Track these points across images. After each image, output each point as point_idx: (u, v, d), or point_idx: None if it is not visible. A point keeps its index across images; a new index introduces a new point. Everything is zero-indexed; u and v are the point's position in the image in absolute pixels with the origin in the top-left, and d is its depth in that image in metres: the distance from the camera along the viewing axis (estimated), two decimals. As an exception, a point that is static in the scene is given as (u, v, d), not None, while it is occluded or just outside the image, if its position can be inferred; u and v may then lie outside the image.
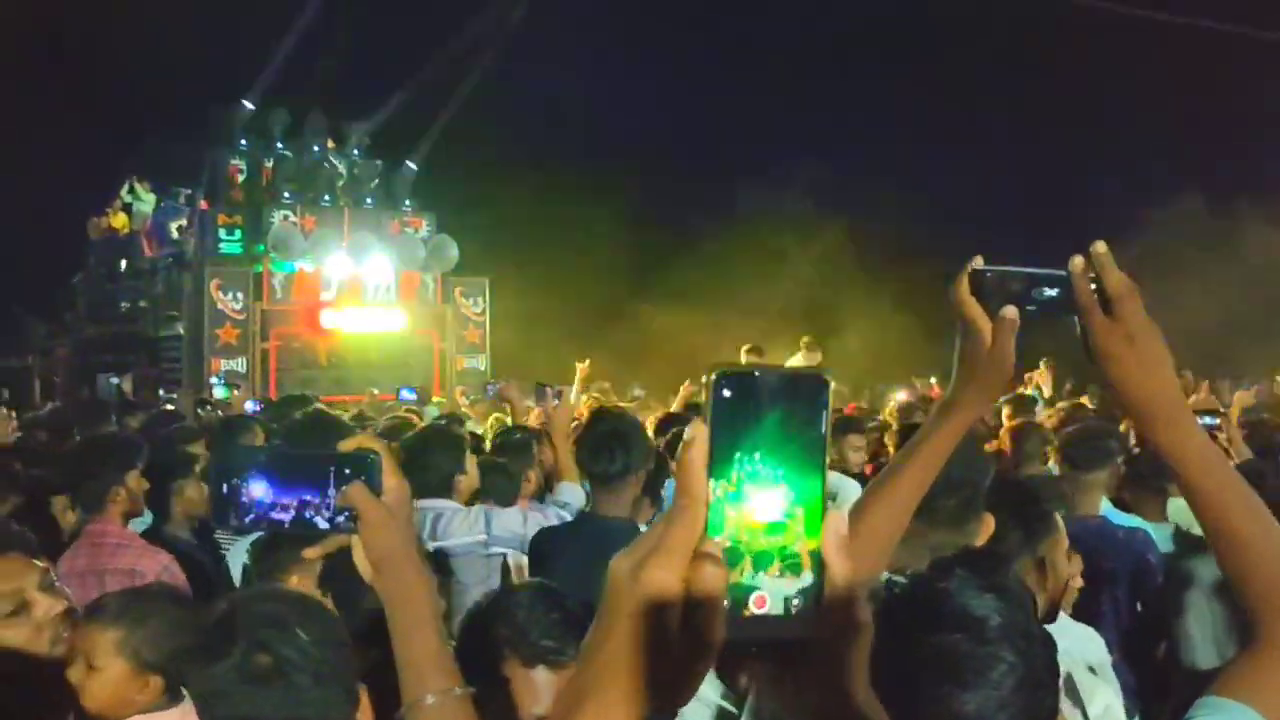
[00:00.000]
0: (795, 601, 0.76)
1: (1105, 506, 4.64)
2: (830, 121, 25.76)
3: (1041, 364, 10.27)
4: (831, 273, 26.80)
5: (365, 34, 21.68)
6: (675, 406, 8.96)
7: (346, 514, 1.42)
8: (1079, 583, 3.66)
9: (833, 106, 25.39)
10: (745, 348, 12.93)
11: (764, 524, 0.76)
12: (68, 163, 25.35)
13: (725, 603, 0.74)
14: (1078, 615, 3.53)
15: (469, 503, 4.57)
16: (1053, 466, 5.00)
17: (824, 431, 0.76)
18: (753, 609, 0.75)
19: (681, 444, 0.76)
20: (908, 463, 1.62)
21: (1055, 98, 27.34)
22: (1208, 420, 6.70)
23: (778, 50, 26.30)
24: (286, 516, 1.41)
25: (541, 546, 4.03)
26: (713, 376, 0.76)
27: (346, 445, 1.46)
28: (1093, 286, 1.43)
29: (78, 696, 2.41)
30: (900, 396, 13.05)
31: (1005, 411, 7.23)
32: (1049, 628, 3.13)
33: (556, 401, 6.81)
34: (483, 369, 18.70)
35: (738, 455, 0.75)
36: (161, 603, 2.64)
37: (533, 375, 18.44)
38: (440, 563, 4.13)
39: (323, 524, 1.42)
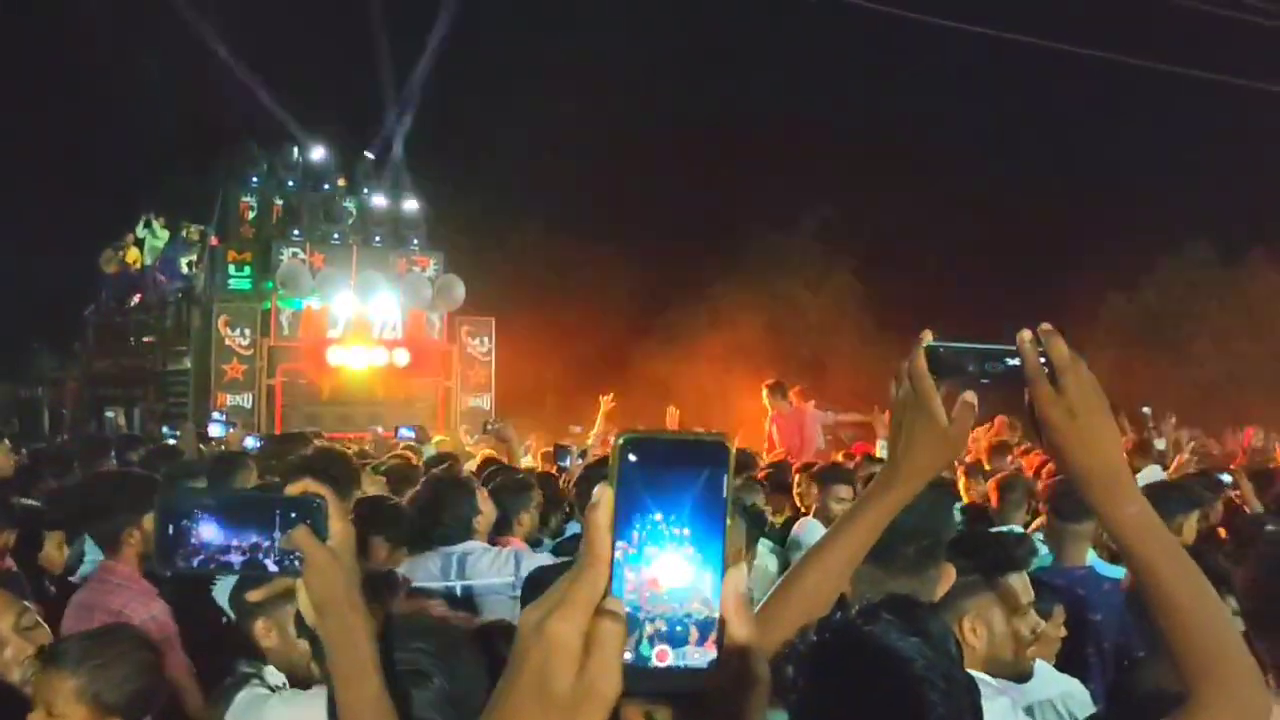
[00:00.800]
0: (695, 655, 0.79)
1: (1091, 557, 4.64)
2: (838, 167, 25.84)
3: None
4: (837, 317, 26.84)
5: (376, 73, 21.91)
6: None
7: (295, 556, 1.42)
8: (1062, 633, 3.68)
9: (839, 152, 25.49)
10: (768, 384, 12.94)
11: (664, 584, 0.79)
12: (81, 196, 25.63)
13: (625, 656, 0.78)
14: (1063, 666, 3.54)
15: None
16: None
17: (725, 495, 0.79)
18: (654, 662, 0.79)
19: (589, 505, 0.81)
20: (845, 529, 1.66)
21: (1065, 146, 27.45)
22: (1222, 478, 6.68)
23: (785, 95, 26.45)
24: (236, 559, 1.41)
25: (535, 585, 4.04)
26: (619, 441, 0.80)
27: (293, 489, 1.46)
28: (1042, 360, 1.47)
29: None
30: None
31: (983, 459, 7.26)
32: (1035, 677, 3.16)
33: (580, 461, 6.86)
34: (488, 408, 18.70)
35: (640, 517, 0.79)
36: (122, 645, 2.65)
37: (537, 415, 18.56)
38: (467, 602, 4.15)
39: (272, 567, 1.42)
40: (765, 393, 12.70)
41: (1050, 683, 3.30)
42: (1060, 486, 4.78)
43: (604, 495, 0.80)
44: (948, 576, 2.52)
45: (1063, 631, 3.66)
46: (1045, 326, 1.49)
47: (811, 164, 25.46)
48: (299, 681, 3.09)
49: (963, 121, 26.40)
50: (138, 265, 20.96)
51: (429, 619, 1.97)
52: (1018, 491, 5.08)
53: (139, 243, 21.01)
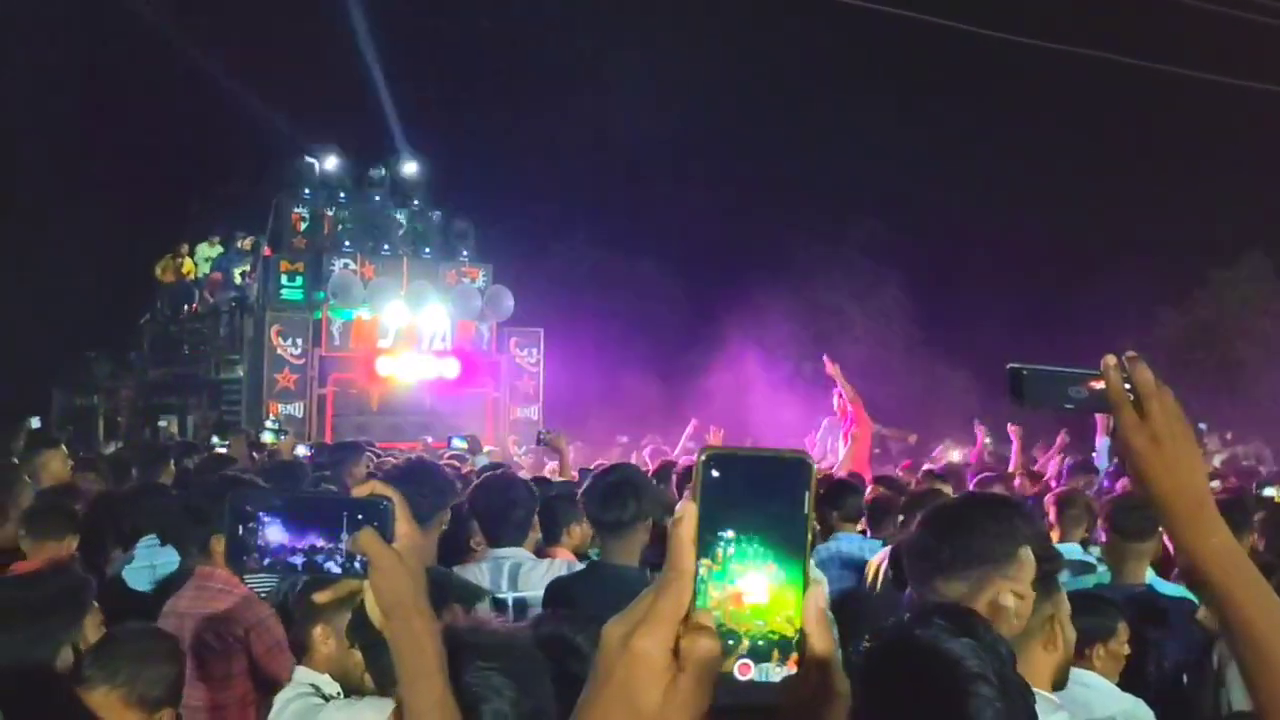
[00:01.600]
0: (776, 671, 0.80)
1: (1150, 576, 4.59)
2: (888, 180, 25.73)
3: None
4: (885, 329, 26.69)
5: (428, 86, 22.11)
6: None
7: (359, 560, 1.42)
8: (1126, 650, 3.64)
9: (891, 164, 25.38)
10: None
11: (747, 600, 0.81)
12: (137, 206, 26.03)
13: (716, 672, 0.79)
14: (1124, 684, 3.50)
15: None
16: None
17: (806, 511, 0.81)
18: (737, 676, 0.80)
19: (672, 520, 0.82)
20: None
21: (1115, 157, 27.14)
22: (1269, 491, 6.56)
23: (837, 107, 26.37)
24: (302, 561, 1.42)
25: (555, 596, 4.06)
26: (702, 456, 0.82)
27: (359, 491, 1.47)
28: (1126, 385, 1.47)
29: None
30: (954, 456, 12.90)
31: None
32: (1093, 692, 3.13)
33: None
34: (535, 419, 18.78)
35: (723, 533, 0.81)
36: (144, 643, 2.71)
37: (585, 426, 18.60)
38: (518, 613, 4.16)
39: (335, 569, 1.42)
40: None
41: (1112, 700, 3.27)
42: (1121, 503, 4.73)
43: (687, 510, 0.81)
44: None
45: (1127, 649, 3.62)
46: (1130, 353, 1.49)
47: (859, 176, 25.38)
48: (351, 691, 3.10)
49: (1011, 133, 26.19)
50: (192, 275, 21.25)
51: (498, 633, 1.97)
52: (1077, 507, 5.04)
53: (192, 253, 21.31)
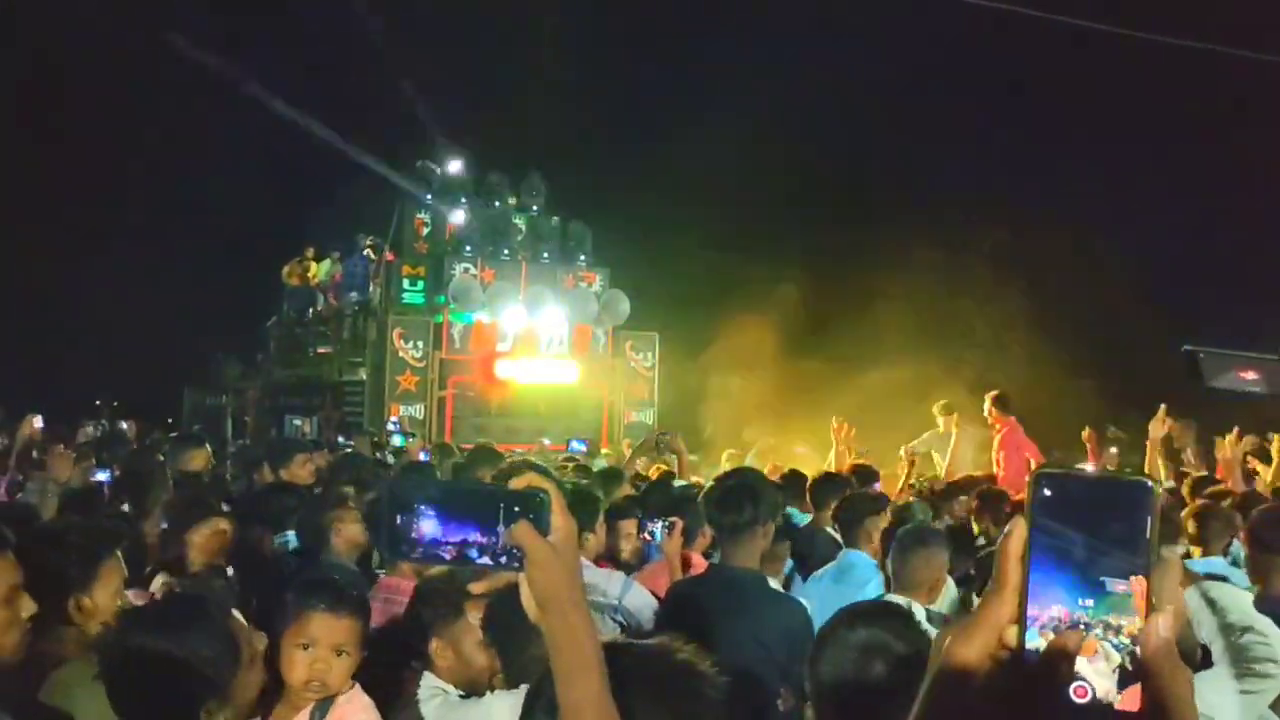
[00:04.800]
0: (1112, 695, 0.78)
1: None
2: (1011, 181, 25.22)
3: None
4: (1007, 333, 26.14)
5: (546, 94, 22.36)
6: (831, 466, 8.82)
7: (513, 552, 1.41)
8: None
9: (1014, 164, 24.88)
10: (939, 404, 12.50)
11: (1083, 621, 0.79)
12: (264, 213, 26.81)
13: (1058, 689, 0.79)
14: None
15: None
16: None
17: (1149, 536, 0.79)
18: (1074, 699, 0.79)
19: (1003, 534, 0.83)
20: None
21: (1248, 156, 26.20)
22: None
23: (953, 103, 25.98)
24: (457, 552, 1.42)
25: (677, 599, 4.12)
26: (1034, 475, 0.82)
27: (517, 483, 1.45)
28: None
29: None
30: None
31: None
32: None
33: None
34: (650, 422, 18.86)
35: (1054, 553, 0.80)
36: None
37: (699, 430, 18.59)
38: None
39: (489, 561, 1.42)
40: (937, 414, 12.24)
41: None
42: (1265, 515, 4.57)
43: (1017, 526, 0.82)
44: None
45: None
46: None
47: (982, 182, 24.94)
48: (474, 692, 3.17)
49: (1139, 135, 25.48)
50: (316, 279, 21.80)
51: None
52: (1220, 520, 4.86)
53: (318, 258, 21.85)
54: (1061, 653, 0.78)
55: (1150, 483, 0.80)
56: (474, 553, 1.41)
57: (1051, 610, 0.79)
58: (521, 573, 1.43)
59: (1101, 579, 0.78)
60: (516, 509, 1.41)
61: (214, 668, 2.39)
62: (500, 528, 1.41)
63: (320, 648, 2.83)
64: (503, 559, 1.41)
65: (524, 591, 1.45)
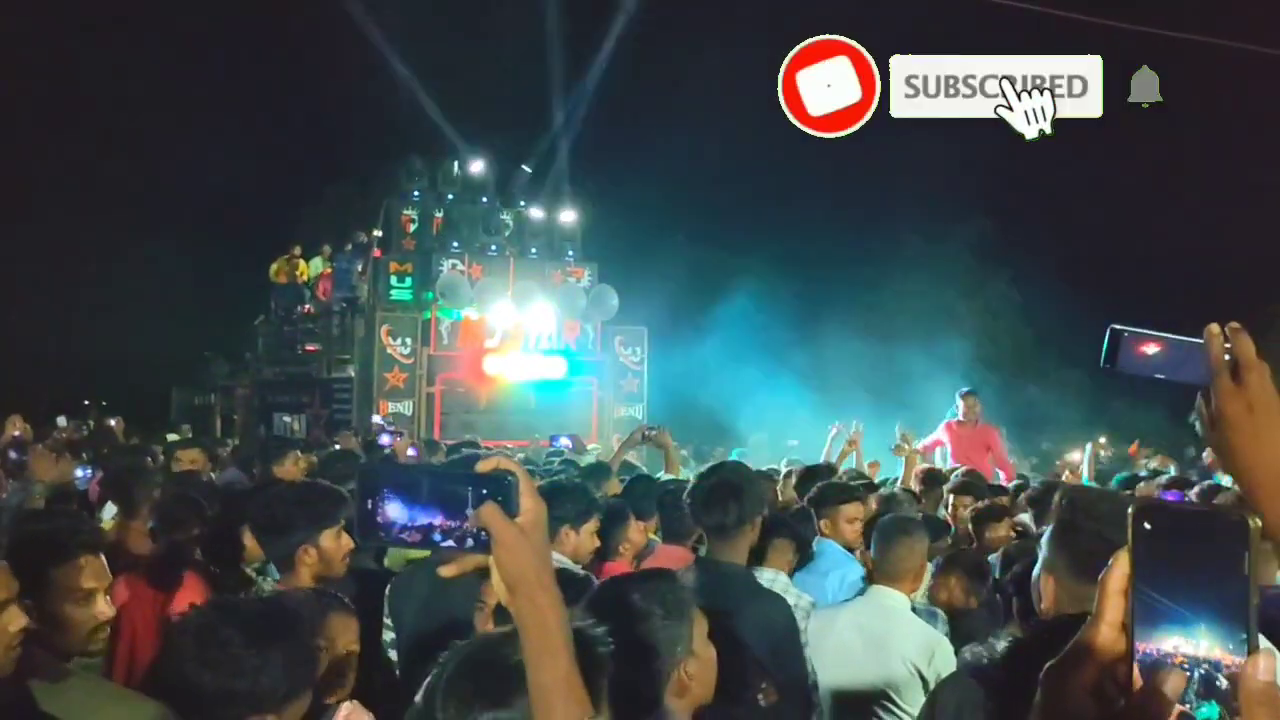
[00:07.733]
0: None
1: (1286, 576, 4.44)
2: (997, 175, 25.24)
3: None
4: (994, 325, 26.21)
5: (531, 89, 22.33)
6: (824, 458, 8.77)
7: (480, 535, 1.41)
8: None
9: (999, 158, 24.89)
10: (963, 391, 12.03)
11: (1181, 658, 0.79)
12: (251, 211, 26.76)
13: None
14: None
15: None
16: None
17: (1246, 572, 0.78)
18: None
19: (1105, 568, 0.84)
20: None
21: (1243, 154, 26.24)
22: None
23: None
24: (425, 535, 1.42)
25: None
26: (1134, 509, 0.82)
27: (484, 466, 1.46)
28: (1226, 356, 1.46)
29: None
30: (1072, 457, 12.53)
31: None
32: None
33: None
34: (639, 417, 18.85)
35: (1155, 588, 0.80)
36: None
37: (688, 424, 18.59)
38: None
39: (455, 544, 1.42)
40: (959, 402, 11.79)
41: None
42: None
43: (1119, 560, 0.83)
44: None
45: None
46: (1234, 325, 1.48)
47: (966, 171, 24.95)
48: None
49: (1117, 134, 25.50)
50: (305, 277, 21.75)
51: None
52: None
53: (306, 255, 21.80)
54: (1161, 691, 0.78)
55: (1249, 518, 0.79)
56: (439, 535, 1.41)
57: (1150, 645, 0.79)
58: (490, 555, 1.42)
59: (1200, 615, 0.78)
60: (485, 492, 1.41)
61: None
62: (469, 511, 1.41)
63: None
64: (468, 542, 1.41)
65: (493, 575, 1.45)
